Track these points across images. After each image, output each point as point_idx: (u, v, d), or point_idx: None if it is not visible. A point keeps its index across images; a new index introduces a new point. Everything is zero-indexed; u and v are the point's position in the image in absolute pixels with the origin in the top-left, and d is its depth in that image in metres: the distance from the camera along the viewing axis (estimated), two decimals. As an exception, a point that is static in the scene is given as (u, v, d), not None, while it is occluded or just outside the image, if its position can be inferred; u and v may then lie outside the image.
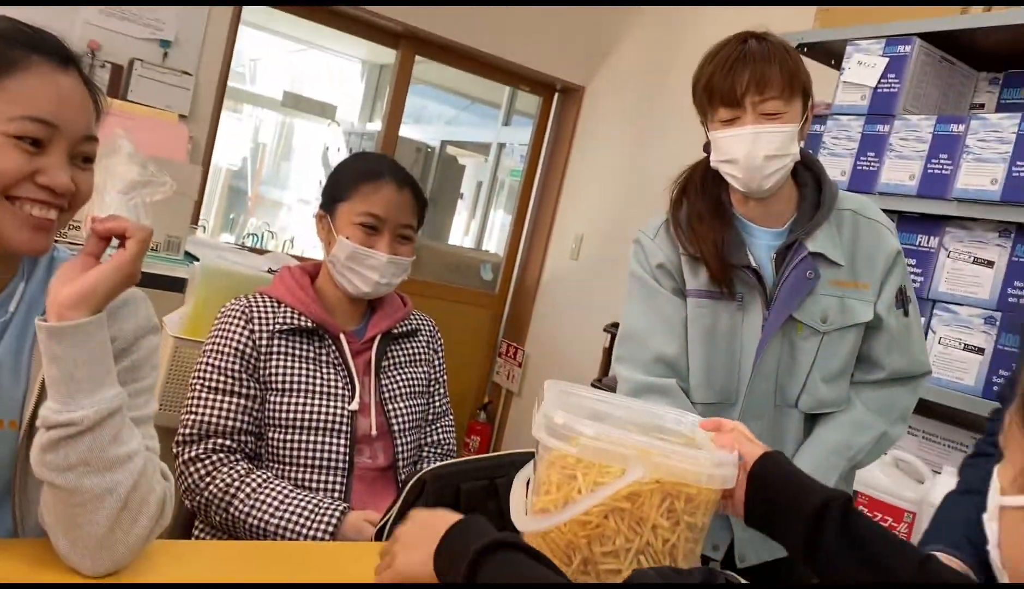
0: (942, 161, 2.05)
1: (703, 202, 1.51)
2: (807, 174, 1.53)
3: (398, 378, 1.64)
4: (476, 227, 5.67)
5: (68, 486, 0.91)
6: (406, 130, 6.27)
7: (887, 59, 2.22)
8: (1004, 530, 0.52)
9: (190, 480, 1.43)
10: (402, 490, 1.27)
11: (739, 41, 1.44)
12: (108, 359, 0.94)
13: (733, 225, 1.50)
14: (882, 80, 2.22)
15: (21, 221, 0.94)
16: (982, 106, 2.32)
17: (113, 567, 0.95)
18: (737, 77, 1.39)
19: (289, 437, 1.49)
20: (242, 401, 1.48)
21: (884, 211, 1.61)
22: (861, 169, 2.24)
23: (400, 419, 1.60)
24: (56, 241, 1.05)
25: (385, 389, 1.61)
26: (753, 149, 1.39)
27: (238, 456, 1.47)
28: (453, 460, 1.45)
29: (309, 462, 1.49)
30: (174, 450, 1.45)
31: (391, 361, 1.65)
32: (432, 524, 0.88)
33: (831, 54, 2.47)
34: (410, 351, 1.70)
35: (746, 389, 1.46)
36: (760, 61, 1.39)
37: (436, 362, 1.76)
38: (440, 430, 1.71)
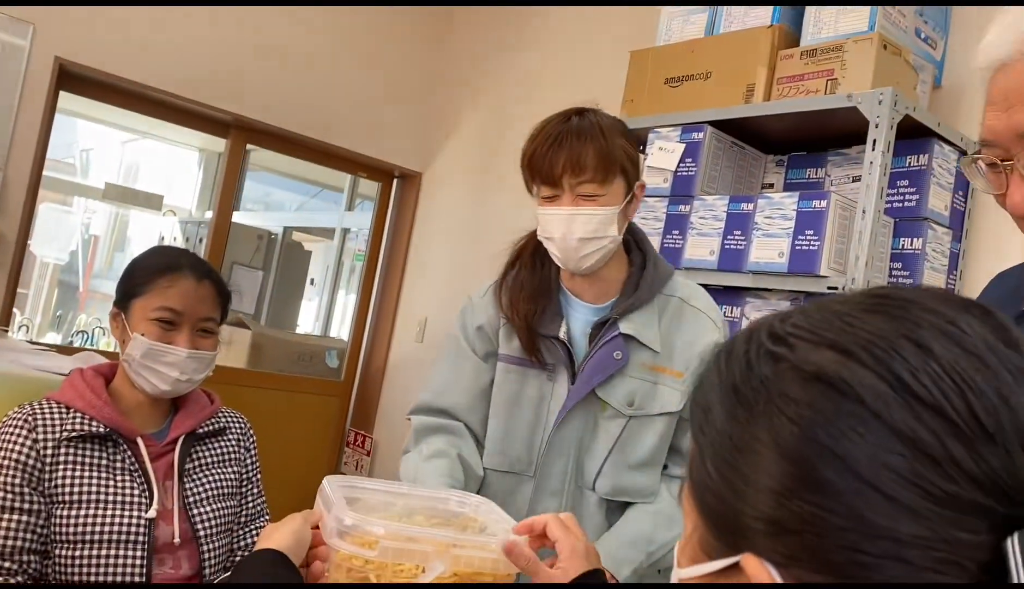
0: (736, 237, 2.20)
1: (528, 271, 1.53)
2: (639, 254, 1.54)
3: (204, 481, 1.58)
4: (323, 313, 5.59)
5: None
6: (248, 217, 6.18)
7: (683, 145, 2.39)
8: None
9: (-40, 611, 1.31)
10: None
11: (563, 118, 1.44)
12: None
13: (556, 296, 1.52)
14: (681, 164, 2.38)
15: None
16: (771, 186, 2.53)
17: None
18: (555, 158, 1.40)
19: (78, 553, 1.39)
20: (24, 518, 1.38)
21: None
22: (668, 246, 2.37)
23: (207, 523, 1.53)
24: None
25: (189, 493, 1.54)
26: (568, 230, 1.41)
27: (19, 579, 1.35)
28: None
29: (100, 578, 1.39)
30: (-57, 578, 1.33)
31: (196, 463, 1.58)
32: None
33: (638, 141, 2.63)
34: (218, 450, 1.64)
35: (540, 462, 1.47)
36: (576, 143, 1.39)
37: (249, 461, 1.70)
38: (254, 532, 1.64)
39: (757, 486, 0.45)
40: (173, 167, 6.56)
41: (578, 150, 1.39)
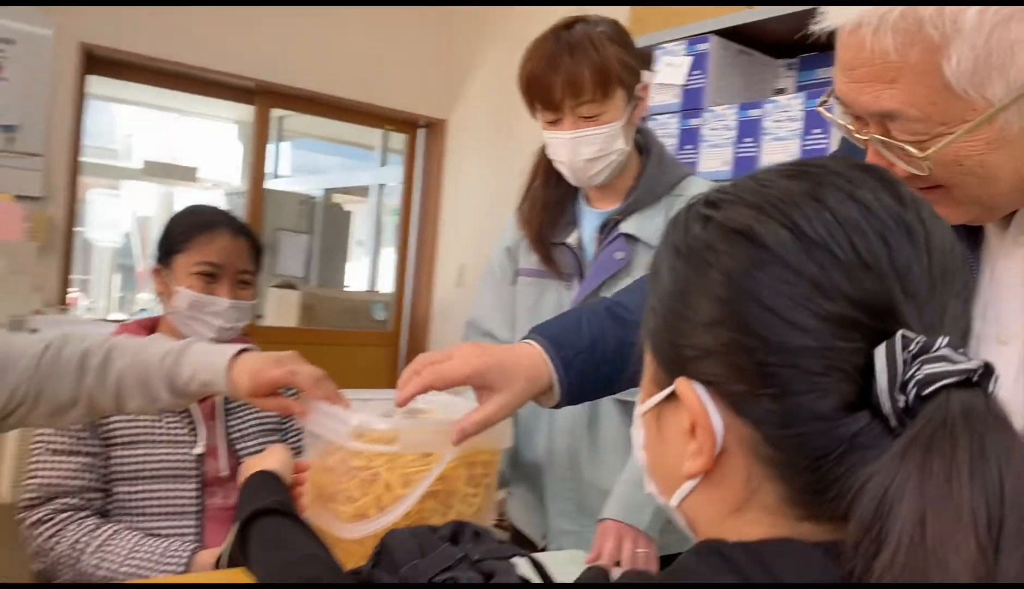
0: (748, 144, 2.21)
1: (543, 185, 1.57)
2: (647, 156, 1.55)
3: (247, 418, 1.69)
4: (368, 269, 5.73)
5: None
6: (289, 184, 6.32)
7: (690, 58, 2.39)
8: (645, 434, 0.61)
9: (37, 542, 1.45)
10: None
11: (554, 36, 1.44)
12: None
13: (571, 205, 1.57)
14: (689, 78, 2.39)
15: None
16: (783, 91, 2.51)
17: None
18: (551, 82, 1.40)
19: (136, 488, 1.52)
20: (84, 459, 1.50)
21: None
22: (683, 162, 2.39)
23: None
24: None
25: (234, 430, 1.65)
26: (574, 153, 1.43)
27: (85, 513, 1.48)
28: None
29: (158, 511, 1.52)
30: (20, 515, 1.47)
31: (239, 402, 1.69)
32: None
33: (647, 58, 2.64)
34: (258, 390, 1.74)
35: None
36: (570, 64, 1.39)
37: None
38: (298, 463, 1.75)
39: (693, 323, 0.54)
40: (213, 141, 6.73)
41: (573, 70, 1.39)
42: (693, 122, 2.37)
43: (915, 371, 0.46)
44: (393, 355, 4.59)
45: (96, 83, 3.61)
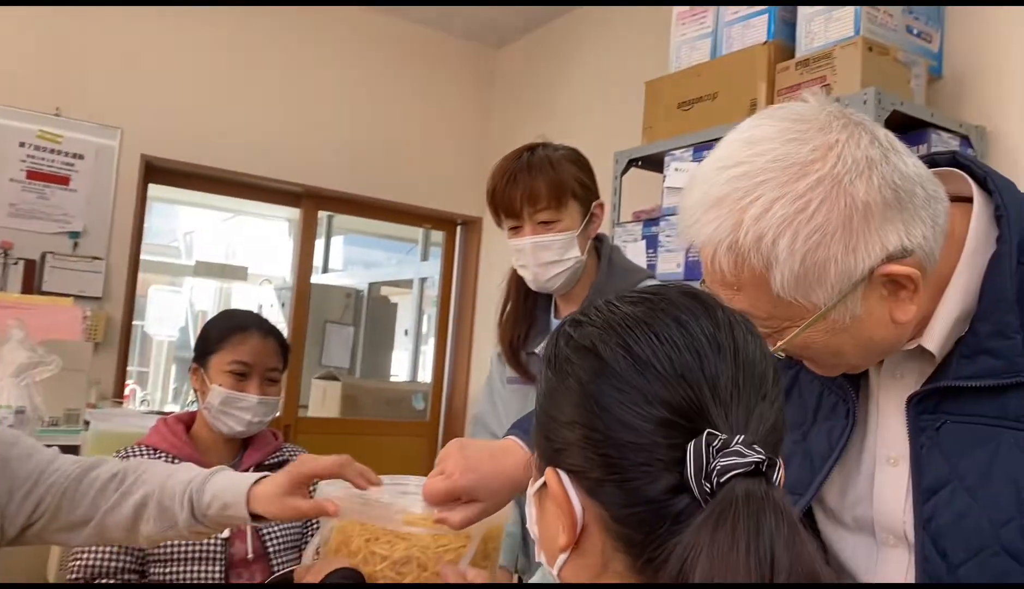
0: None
1: (514, 301, 1.72)
2: (601, 265, 1.68)
3: (272, 504, 1.82)
4: (410, 360, 5.90)
5: None
6: (336, 278, 6.59)
7: (696, 164, 2.54)
8: (535, 512, 0.73)
9: (77, 622, 1.58)
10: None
11: (516, 157, 1.62)
12: None
13: (541, 317, 1.71)
14: (696, 181, 2.54)
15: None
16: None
17: None
18: (512, 193, 1.57)
19: (167, 570, 1.65)
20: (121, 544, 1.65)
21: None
22: (692, 260, 2.52)
23: (275, 541, 1.77)
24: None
25: (259, 516, 1.78)
26: (535, 257, 1.59)
27: (121, 594, 1.62)
28: (296, 563, 1.62)
29: (187, 591, 1.65)
30: (62, 597, 1.61)
31: (264, 489, 1.83)
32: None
33: (658, 164, 2.81)
34: (283, 479, 1.88)
35: None
36: (528, 177, 1.56)
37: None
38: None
39: (558, 421, 0.67)
40: (266, 237, 7.08)
41: (531, 184, 1.56)
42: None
43: (716, 463, 0.58)
44: (431, 443, 4.71)
45: (156, 188, 3.91)
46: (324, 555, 1.18)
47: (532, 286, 1.66)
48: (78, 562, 1.63)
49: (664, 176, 2.65)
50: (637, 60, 3.51)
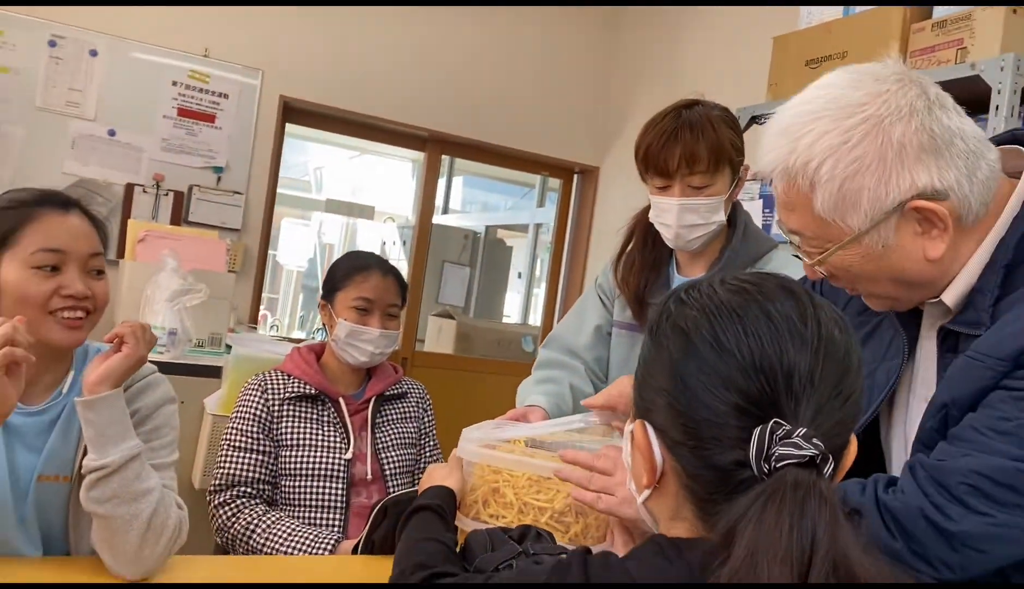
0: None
1: (639, 248, 1.75)
2: (733, 229, 1.70)
3: (391, 432, 1.98)
4: (522, 303, 6.05)
5: (106, 514, 1.26)
6: (455, 219, 6.77)
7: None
8: (629, 450, 0.82)
9: (219, 521, 1.79)
10: (369, 516, 1.59)
11: (676, 113, 1.61)
12: (127, 420, 1.29)
13: (663, 269, 1.75)
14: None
15: (60, 325, 1.31)
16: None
17: (145, 575, 1.30)
18: (669, 153, 1.56)
19: (297, 484, 1.84)
20: (259, 457, 1.85)
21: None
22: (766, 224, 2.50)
23: (392, 465, 1.94)
24: (94, 341, 1.44)
25: (379, 441, 1.95)
26: (680, 217, 1.60)
27: (257, 500, 1.82)
28: (409, 489, 1.77)
29: (313, 503, 1.83)
30: (207, 498, 1.82)
31: (384, 418, 1.99)
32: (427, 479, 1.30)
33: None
34: (401, 410, 2.04)
35: None
36: (690, 137, 1.55)
37: (426, 419, 2.09)
38: (431, 474, 2.03)
39: (650, 385, 0.77)
40: (391, 177, 7.32)
41: (692, 147, 1.55)
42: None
43: (775, 450, 0.66)
44: (539, 386, 4.84)
45: (292, 126, 4.13)
46: (467, 503, 1.30)
47: (670, 244, 1.67)
48: (221, 470, 1.84)
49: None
50: (766, 14, 3.44)
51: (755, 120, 2.86)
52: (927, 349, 1.07)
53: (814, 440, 0.66)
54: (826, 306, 0.74)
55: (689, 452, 0.71)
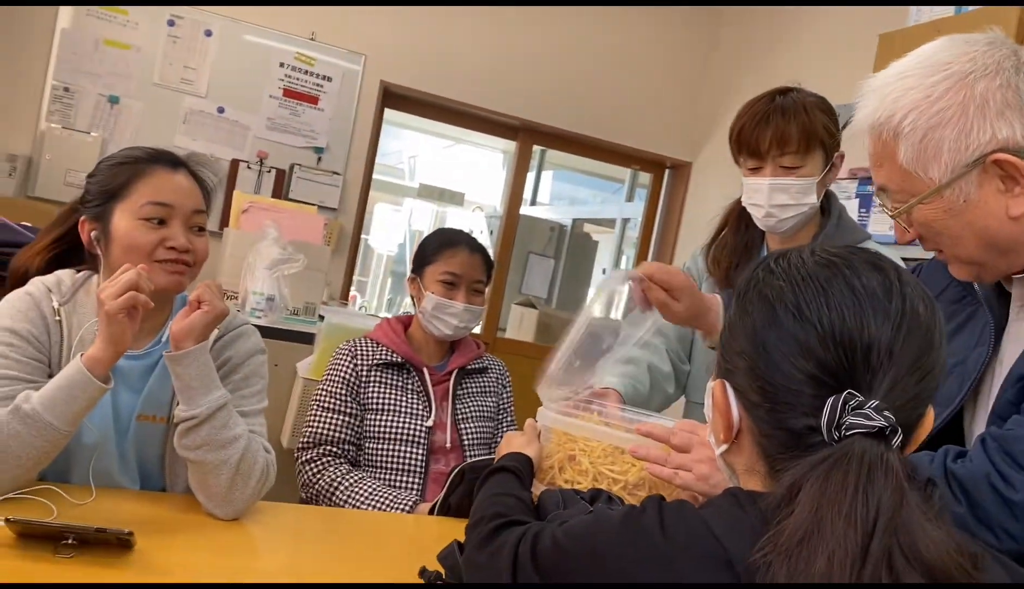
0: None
1: (732, 232, 1.77)
2: (827, 217, 1.70)
3: (470, 403, 2.04)
4: (605, 297, 6.03)
5: (197, 460, 1.34)
6: (542, 211, 6.82)
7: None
8: (710, 404, 0.84)
9: (305, 477, 1.88)
10: (447, 480, 1.65)
11: (770, 98, 1.64)
12: (212, 372, 1.36)
13: (754, 253, 1.75)
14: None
15: (164, 270, 1.40)
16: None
17: (235, 515, 1.38)
18: (761, 134, 1.59)
19: (380, 446, 1.92)
20: (346, 418, 1.93)
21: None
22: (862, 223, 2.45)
23: (470, 435, 1.99)
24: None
25: (459, 412, 2.01)
26: (770, 197, 1.61)
27: (342, 460, 1.90)
28: (487, 456, 1.82)
29: (394, 466, 1.90)
30: (295, 455, 1.92)
31: (465, 390, 2.05)
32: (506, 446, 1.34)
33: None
34: (482, 384, 2.10)
35: None
36: (782, 120, 1.58)
37: (504, 395, 2.14)
38: (508, 449, 2.08)
39: (733, 348, 0.80)
40: (482, 166, 7.42)
41: (783, 127, 1.58)
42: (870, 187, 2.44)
43: (846, 419, 0.68)
44: (618, 380, 4.85)
45: (389, 112, 4.25)
46: (543, 469, 1.34)
47: (761, 225, 1.68)
48: (309, 428, 1.93)
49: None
50: (872, 11, 3.36)
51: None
52: (1013, 333, 1.06)
53: (885, 412, 0.68)
54: (913, 282, 0.75)
55: (765, 413, 0.74)
